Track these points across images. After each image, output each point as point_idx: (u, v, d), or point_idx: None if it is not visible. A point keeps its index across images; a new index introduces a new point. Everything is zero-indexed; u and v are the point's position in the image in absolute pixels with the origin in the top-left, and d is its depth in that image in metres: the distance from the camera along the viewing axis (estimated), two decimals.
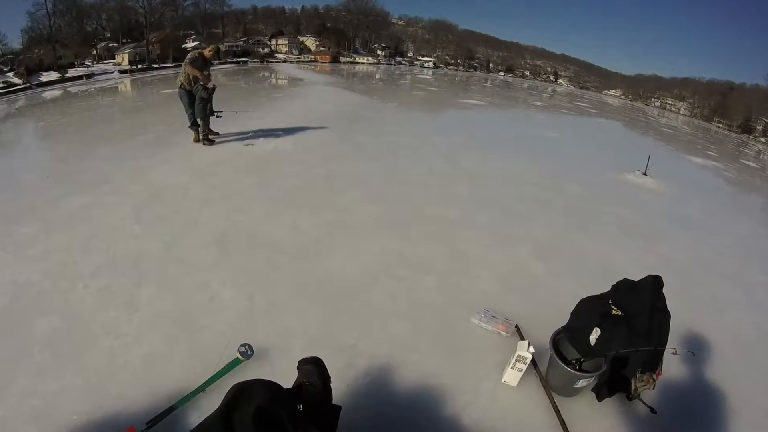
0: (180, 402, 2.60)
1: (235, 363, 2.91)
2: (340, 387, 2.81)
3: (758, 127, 68.66)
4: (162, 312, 3.53)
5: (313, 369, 2.16)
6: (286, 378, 2.08)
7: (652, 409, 2.87)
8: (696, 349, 3.62)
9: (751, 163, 22.41)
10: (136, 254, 4.37)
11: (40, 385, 2.77)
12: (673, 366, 3.26)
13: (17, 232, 4.76)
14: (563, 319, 3.06)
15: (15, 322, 3.35)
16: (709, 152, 21.43)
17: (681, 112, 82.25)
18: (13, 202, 5.59)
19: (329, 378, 2.21)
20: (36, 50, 46.76)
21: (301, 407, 1.83)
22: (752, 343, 4.12)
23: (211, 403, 2.58)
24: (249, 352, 2.97)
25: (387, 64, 78.20)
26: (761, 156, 31.41)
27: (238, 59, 58.49)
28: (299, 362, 2.23)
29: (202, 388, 2.69)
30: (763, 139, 62.06)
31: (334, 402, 2.21)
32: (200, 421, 1.76)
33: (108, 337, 3.22)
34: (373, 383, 2.97)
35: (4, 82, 37.43)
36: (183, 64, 7.95)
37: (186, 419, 2.56)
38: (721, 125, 71.10)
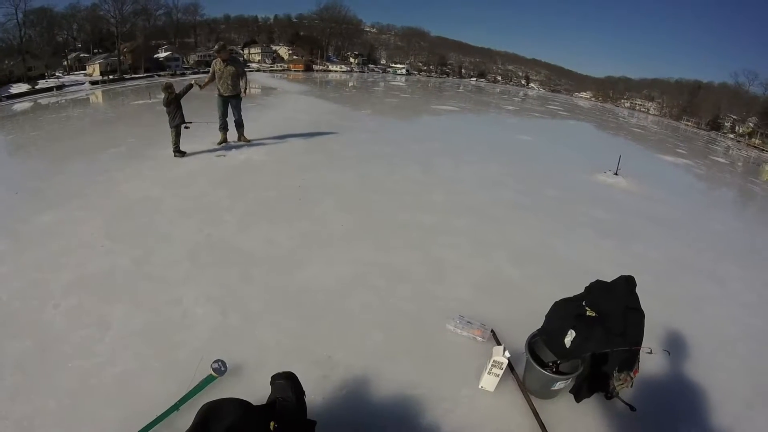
0: (154, 422, 2.55)
1: (208, 380, 2.86)
2: (315, 401, 2.79)
3: (726, 124, 70.24)
4: (134, 330, 3.47)
5: (287, 384, 2.13)
6: (261, 393, 2.05)
7: (631, 407, 2.91)
8: (674, 345, 3.69)
9: (720, 159, 22.95)
10: (106, 271, 4.29)
11: (13, 409, 2.70)
12: (650, 363, 3.31)
13: None
14: (539, 322, 3.07)
15: None
16: (679, 150, 21.88)
17: (650, 112, 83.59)
18: None
19: (303, 392, 2.19)
20: (6, 61, 45.92)
21: (275, 425, 1.80)
22: (730, 336, 4.20)
23: (185, 422, 2.51)
24: (222, 369, 2.92)
25: (360, 71, 78.14)
26: (730, 152, 32.19)
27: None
28: (272, 377, 2.21)
29: (176, 407, 2.65)
30: (731, 135, 63.50)
31: (309, 417, 2.18)
32: None
33: (80, 357, 3.16)
34: (350, 395, 2.95)
35: None
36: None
37: None
38: (689, 123, 72.51)
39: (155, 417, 2.58)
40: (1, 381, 2.92)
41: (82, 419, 2.66)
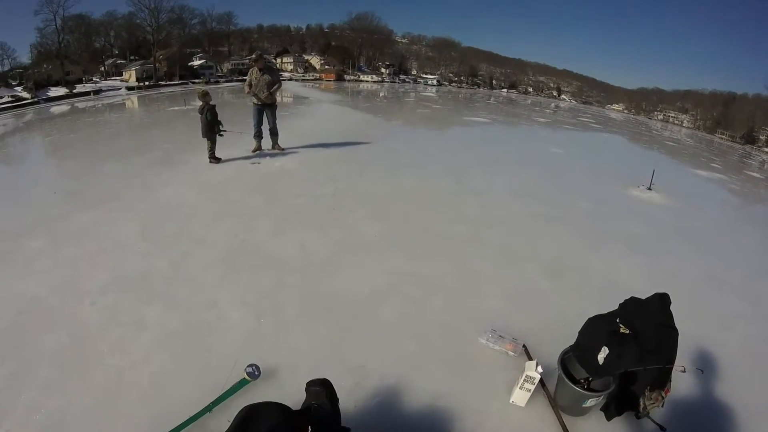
0: (187, 422, 2.59)
1: (242, 383, 2.90)
2: (348, 408, 2.79)
3: (761, 137, 68.39)
4: (169, 331, 3.54)
5: (322, 390, 2.15)
6: (295, 399, 2.07)
7: (661, 427, 2.84)
8: (705, 365, 3.59)
9: (755, 174, 22.26)
10: (143, 272, 4.40)
11: (47, 402, 2.78)
12: (681, 383, 3.22)
13: (25, 247, 4.83)
14: (571, 338, 3.03)
15: (22, 337, 3.39)
16: (713, 164, 21.30)
17: (684, 125, 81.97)
18: (21, 217, 5.68)
19: (338, 399, 2.20)
20: (44, 65, 47.42)
21: (310, 430, 1.82)
22: (762, 357, 4.05)
23: (218, 424, 2.59)
24: (256, 373, 2.96)
25: (391, 82, 78.49)
26: (765, 166, 31.24)
27: (244, 77, 59.12)
28: (307, 384, 2.23)
29: (209, 409, 2.68)
30: (766, 149, 61.71)
31: (342, 424, 2.19)
32: None
33: (115, 355, 3.23)
34: (382, 404, 2.95)
35: (12, 97, 37.99)
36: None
37: None
38: (724, 137, 70.71)
39: (188, 417, 2.62)
40: (36, 374, 3.01)
41: (115, 416, 2.71)
